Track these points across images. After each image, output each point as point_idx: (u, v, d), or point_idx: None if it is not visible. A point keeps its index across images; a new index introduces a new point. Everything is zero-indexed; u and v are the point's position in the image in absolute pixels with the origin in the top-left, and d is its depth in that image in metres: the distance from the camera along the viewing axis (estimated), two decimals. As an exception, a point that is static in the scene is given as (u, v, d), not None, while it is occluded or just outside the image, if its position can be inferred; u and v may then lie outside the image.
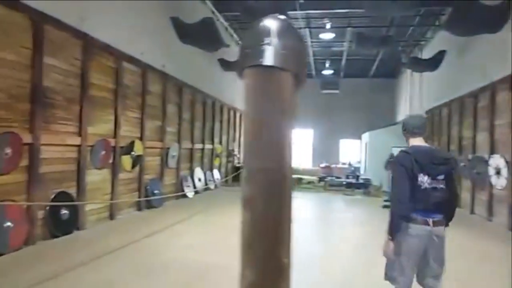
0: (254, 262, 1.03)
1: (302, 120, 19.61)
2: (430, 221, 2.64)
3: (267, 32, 1.05)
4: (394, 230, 2.64)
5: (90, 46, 6.40)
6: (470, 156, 9.32)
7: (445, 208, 2.70)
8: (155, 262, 4.64)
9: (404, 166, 2.65)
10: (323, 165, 17.38)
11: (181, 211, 8.18)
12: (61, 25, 5.72)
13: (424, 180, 2.64)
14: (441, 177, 2.67)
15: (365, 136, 18.02)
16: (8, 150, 4.77)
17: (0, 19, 4.74)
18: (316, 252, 5.46)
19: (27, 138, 5.10)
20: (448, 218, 2.75)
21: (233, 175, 14.21)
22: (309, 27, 13.89)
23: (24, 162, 5.10)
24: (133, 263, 4.60)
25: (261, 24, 1.07)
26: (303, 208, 9.73)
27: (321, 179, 14.52)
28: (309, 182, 14.03)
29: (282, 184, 1.06)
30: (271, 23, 1.07)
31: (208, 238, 6.06)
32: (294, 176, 14.63)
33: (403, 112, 17.77)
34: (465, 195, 9.50)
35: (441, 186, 2.66)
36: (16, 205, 4.87)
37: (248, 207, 1.03)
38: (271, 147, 1.04)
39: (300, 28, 13.57)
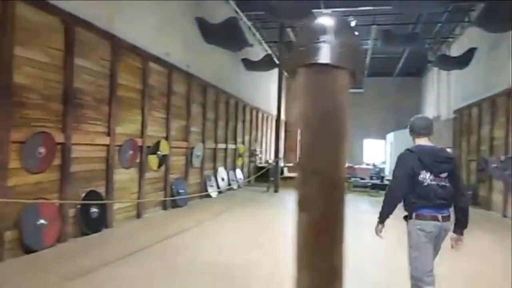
0: (310, 264, 1.00)
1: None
2: (440, 216, 2.83)
3: (322, 30, 1.02)
4: (381, 217, 3.03)
5: (118, 47, 6.51)
6: (502, 157, 8.99)
7: (450, 203, 2.89)
8: (183, 260, 4.68)
9: (405, 164, 2.88)
10: (346, 165, 17.11)
11: (206, 211, 8.23)
12: (91, 27, 5.84)
13: (426, 177, 2.83)
14: (444, 175, 2.86)
15: (390, 136, 17.69)
16: (42, 150, 4.90)
17: (34, 22, 4.86)
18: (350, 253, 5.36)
19: (59, 137, 5.23)
20: (462, 221, 2.92)
21: (256, 175, 14.22)
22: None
23: (57, 161, 5.23)
24: (162, 261, 4.64)
25: (316, 21, 1.04)
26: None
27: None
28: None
29: (338, 185, 1.03)
30: (326, 21, 1.03)
31: (235, 237, 6.07)
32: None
33: (430, 111, 17.34)
34: (497, 197, 9.17)
35: (444, 183, 2.85)
36: (50, 203, 4.99)
37: (304, 208, 1.00)
38: (327, 148, 1.01)
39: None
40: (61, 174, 5.31)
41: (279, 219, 7.77)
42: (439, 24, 13.23)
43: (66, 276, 3.97)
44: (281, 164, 13.90)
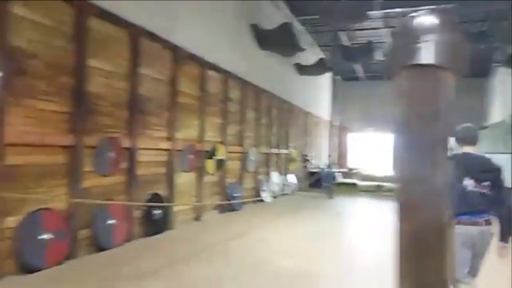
0: (413, 275, 0.96)
1: (380, 123, 18.77)
2: (479, 221, 2.92)
3: (424, 29, 0.98)
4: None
5: (178, 56, 6.78)
6: None
7: (490, 210, 2.96)
8: (247, 263, 4.74)
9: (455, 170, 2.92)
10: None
11: (261, 215, 8.28)
12: (154, 38, 6.14)
13: (469, 183, 2.92)
14: (486, 183, 2.93)
15: (451, 141, 16.69)
16: (111, 154, 5.20)
17: (105, 35, 5.20)
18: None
19: (126, 142, 5.53)
20: (503, 230, 2.98)
21: (308, 181, 14.07)
22: (388, 27, 13.30)
23: (124, 165, 5.53)
24: (226, 263, 4.75)
25: (417, 20, 1.00)
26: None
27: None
28: (389, 190, 13.35)
29: (440, 193, 0.98)
30: (428, 19, 0.99)
31: (293, 244, 6.03)
32: (374, 183, 14.05)
33: (496, 114, 16.16)
34: None
35: (485, 191, 2.93)
36: (119, 204, 5.29)
37: (405, 220, 0.96)
38: (429, 154, 0.97)
39: (379, 28, 13.07)
40: (127, 177, 5.61)
41: (336, 226, 7.63)
42: (507, 22, 12.31)
43: (138, 274, 4.19)
44: (334, 169, 13.64)
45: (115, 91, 5.42)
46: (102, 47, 5.15)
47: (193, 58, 7.25)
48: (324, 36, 13.99)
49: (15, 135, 3.91)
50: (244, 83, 9.42)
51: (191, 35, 7.17)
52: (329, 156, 13.05)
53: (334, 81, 13.14)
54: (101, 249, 4.97)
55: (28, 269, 4.01)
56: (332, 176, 12.60)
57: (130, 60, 5.67)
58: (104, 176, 5.18)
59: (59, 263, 4.31)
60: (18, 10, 3.97)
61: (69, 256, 4.51)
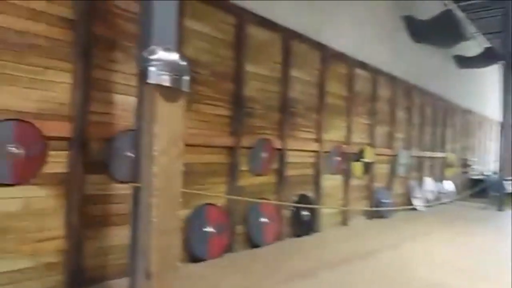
0: None
1: None
2: None
3: None
4: None
5: (326, 56, 6.67)
6: None
7: None
8: (396, 279, 4.30)
9: None
10: None
11: (413, 225, 7.53)
12: (303, 39, 6.16)
13: None
14: None
15: None
16: (264, 155, 5.40)
17: (260, 40, 5.42)
18: None
19: (277, 144, 5.67)
20: None
21: (470, 189, 12.27)
22: None
23: (275, 165, 5.69)
24: (378, 273, 4.41)
25: None
26: None
27: None
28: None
29: None
30: None
31: (453, 261, 5.24)
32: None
33: None
34: None
35: None
36: (270, 204, 5.46)
37: None
38: None
39: None
40: (278, 177, 5.75)
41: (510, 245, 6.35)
42: None
43: (289, 274, 4.21)
44: (505, 177, 11.57)
45: (268, 94, 5.62)
46: (257, 53, 5.39)
47: (341, 57, 7.05)
48: (489, 22, 12.02)
49: (187, 137, 4.37)
50: (394, 80, 8.75)
51: (338, 33, 6.98)
52: (499, 161, 11.12)
53: (505, 74, 11.13)
54: (253, 245, 5.20)
55: (193, 258, 4.43)
56: (502, 185, 10.70)
57: (281, 63, 5.81)
58: (257, 175, 5.41)
59: (219, 255, 4.65)
60: (189, 23, 4.43)
61: (227, 249, 4.84)
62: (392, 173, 8.84)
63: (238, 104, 5.06)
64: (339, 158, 6.92)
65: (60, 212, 3.36)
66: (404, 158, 9.13)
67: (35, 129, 3.14)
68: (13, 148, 3.02)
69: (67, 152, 3.39)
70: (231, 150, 4.99)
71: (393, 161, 8.84)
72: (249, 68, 5.24)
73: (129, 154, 3.62)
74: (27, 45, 3.15)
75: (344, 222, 7.14)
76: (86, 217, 3.52)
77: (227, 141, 4.92)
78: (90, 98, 3.54)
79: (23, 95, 3.12)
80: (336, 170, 6.92)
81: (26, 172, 3.11)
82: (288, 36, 5.86)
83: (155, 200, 2.59)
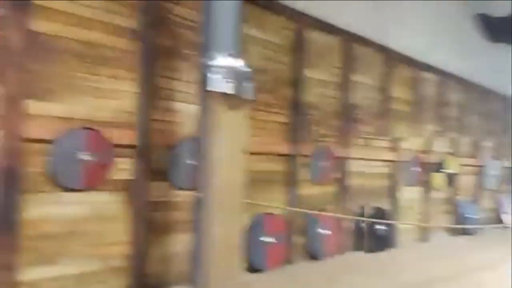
0: None
1: None
2: None
3: None
4: None
5: (390, 59, 6.32)
6: None
7: None
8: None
9: None
10: None
11: (506, 245, 6.66)
12: (366, 42, 5.89)
13: None
14: None
15: None
16: (324, 163, 5.20)
17: (320, 44, 5.25)
18: None
19: (338, 152, 5.44)
20: None
21: None
22: None
23: (336, 174, 5.45)
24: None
25: None
26: None
27: None
28: None
29: None
30: None
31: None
32: None
33: None
34: None
35: None
36: (330, 215, 5.22)
37: None
38: None
39: None
40: (339, 187, 5.49)
41: None
42: None
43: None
44: None
45: (327, 99, 5.42)
46: (317, 57, 5.23)
47: (406, 60, 6.64)
48: None
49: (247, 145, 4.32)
50: (469, 84, 8.09)
51: (403, 36, 6.58)
52: None
53: None
54: (312, 258, 4.98)
55: (251, 268, 4.32)
56: None
57: (341, 67, 5.59)
58: (317, 184, 5.21)
59: (277, 266, 4.51)
60: (246, 29, 4.39)
61: (286, 261, 4.68)
62: (479, 185, 8.11)
63: (297, 110, 4.92)
64: (418, 169, 6.48)
65: (125, 217, 3.44)
66: (493, 169, 8.32)
67: (103, 137, 3.26)
68: (84, 155, 3.15)
69: (132, 159, 3.48)
70: (289, 158, 4.84)
71: (480, 172, 8.11)
72: (309, 73, 5.09)
73: (189, 162, 3.65)
74: (97, 56, 3.30)
75: (424, 238, 6.59)
76: (149, 224, 3.58)
77: (286, 148, 4.78)
78: (153, 106, 3.62)
79: (92, 104, 3.26)
80: (414, 182, 6.48)
81: (94, 178, 3.23)
82: (349, 39, 5.63)
83: (215, 212, 2.54)
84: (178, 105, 3.81)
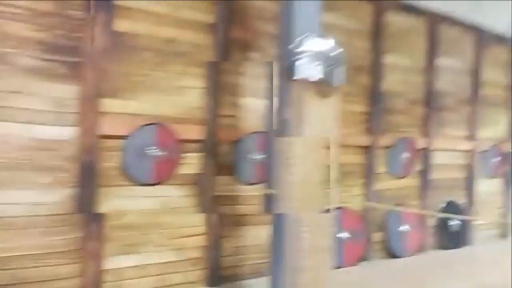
0: None
1: None
2: None
3: None
4: None
5: (481, 39, 5.66)
6: None
7: None
8: None
9: None
10: None
11: None
12: (453, 23, 5.32)
13: None
14: None
15: None
16: (405, 155, 4.83)
17: (400, 27, 4.84)
18: None
19: (421, 142, 5.02)
20: None
21: None
22: None
23: (418, 167, 5.04)
24: None
25: None
26: None
27: None
28: None
29: None
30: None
31: None
32: None
33: None
34: None
35: None
36: (412, 210, 4.86)
37: None
38: None
39: None
40: (421, 180, 5.10)
41: None
42: None
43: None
44: None
45: (410, 86, 5.02)
46: (398, 41, 4.84)
47: (501, 40, 5.88)
48: None
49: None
50: None
51: (498, 13, 5.81)
52: None
53: None
54: (392, 255, 4.70)
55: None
56: None
57: (426, 51, 5.13)
58: (397, 178, 4.87)
59: (354, 263, 4.31)
60: (328, 17, 4.14)
61: (363, 258, 4.45)
62: None
63: (376, 99, 4.62)
64: (498, 159, 5.82)
65: (194, 211, 3.47)
66: None
67: (172, 132, 3.29)
68: (154, 151, 3.21)
69: (199, 154, 3.48)
70: (367, 150, 4.59)
71: None
72: (389, 59, 4.73)
73: (255, 157, 3.63)
74: (170, 52, 3.31)
75: (504, 234, 5.98)
76: (220, 217, 3.58)
77: (364, 140, 4.55)
78: (221, 101, 3.58)
79: (162, 100, 3.29)
80: (494, 173, 5.87)
81: (164, 173, 3.28)
82: (434, 20, 5.13)
83: (299, 213, 2.35)
84: (245, 100, 3.73)
